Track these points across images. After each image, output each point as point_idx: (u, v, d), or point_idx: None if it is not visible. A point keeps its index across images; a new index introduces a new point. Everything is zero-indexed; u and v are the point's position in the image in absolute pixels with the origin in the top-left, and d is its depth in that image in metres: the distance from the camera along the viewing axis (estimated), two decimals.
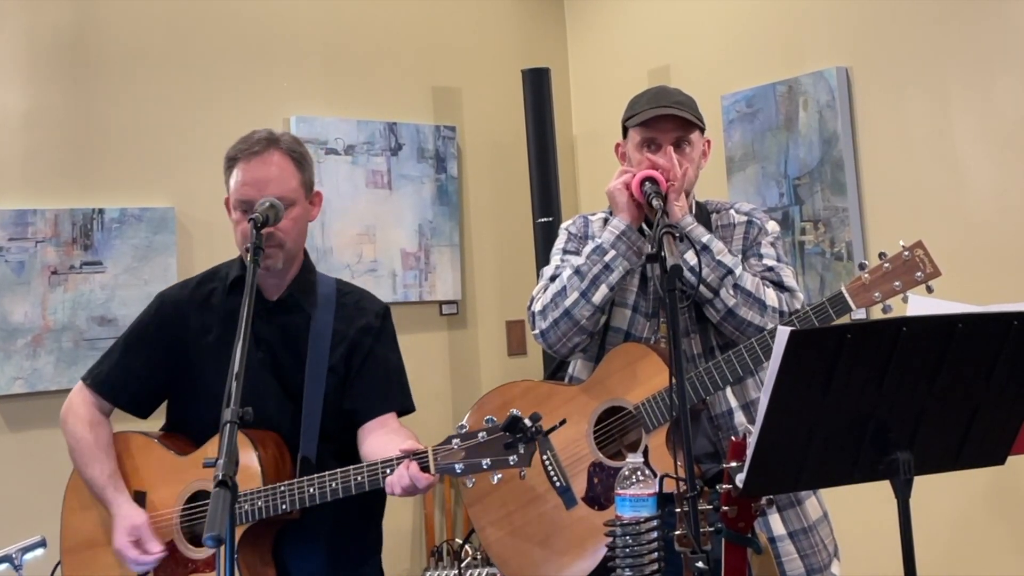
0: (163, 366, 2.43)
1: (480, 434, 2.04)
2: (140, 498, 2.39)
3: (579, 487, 2.40)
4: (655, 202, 2.22)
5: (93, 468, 2.39)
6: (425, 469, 2.08)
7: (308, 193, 2.37)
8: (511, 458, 2.01)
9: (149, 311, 2.49)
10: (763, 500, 1.80)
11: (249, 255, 2.04)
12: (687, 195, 2.47)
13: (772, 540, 2.37)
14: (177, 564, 2.33)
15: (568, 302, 2.41)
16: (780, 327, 1.59)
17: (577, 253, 2.51)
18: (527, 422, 1.99)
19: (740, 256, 2.45)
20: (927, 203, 3.42)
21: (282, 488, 2.18)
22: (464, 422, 2.13)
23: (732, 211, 2.55)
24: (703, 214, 2.54)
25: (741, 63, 4.03)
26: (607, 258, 2.38)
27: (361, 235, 4.21)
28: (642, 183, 2.31)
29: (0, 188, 3.51)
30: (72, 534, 2.44)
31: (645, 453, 2.33)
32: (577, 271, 2.42)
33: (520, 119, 4.38)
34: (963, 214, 3.34)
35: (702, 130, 2.49)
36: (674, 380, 1.80)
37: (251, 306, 1.93)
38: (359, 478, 2.15)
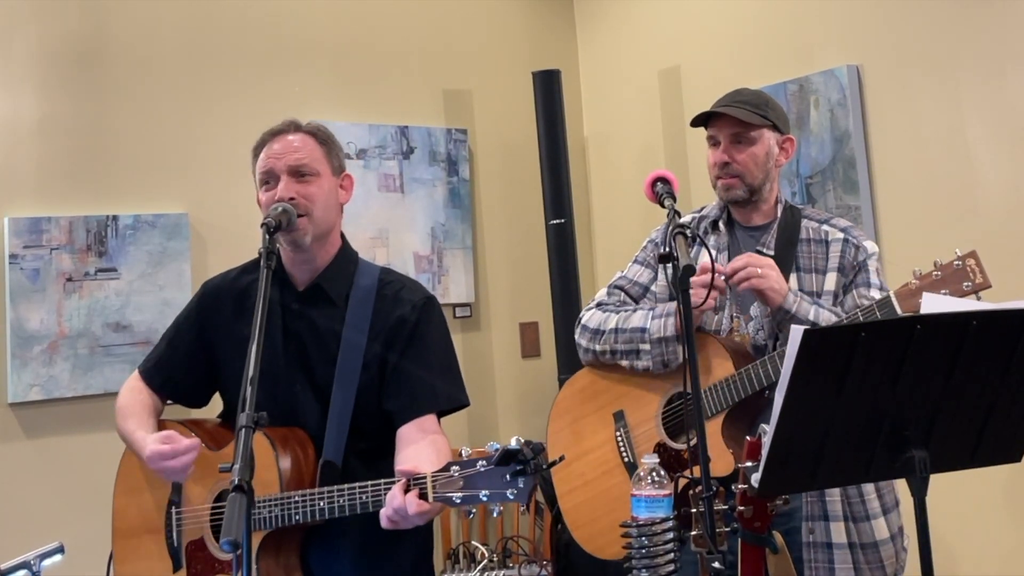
0: (203, 356, 2.41)
1: (480, 463, 1.93)
2: (176, 490, 2.35)
3: None
4: (667, 202, 2.23)
5: (128, 422, 2.36)
6: (424, 496, 1.98)
7: (335, 171, 2.33)
8: (509, 492, 1.90)
9: (192, 300, 2.49)
10: (779, 500, 1.81)
11: (262, 260, 2.01)
12: (758, 191, 2.53)
13: (829, 546, 2.40)
14: (206, 563, 2.29)
15: (597, 348, 2.63)
16: (793, 326, 1.59)
17: (644, 262, 2.71)
18: (526, 453, 1.88)
19: (835, 273, 2.47)
20: (940, 200, 3.40)
21: (296, 498, 2.13)
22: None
23: (827, 227, 2.55)
24: (793, 217, 2.57)
25: (751, 62, 4.02)
26: (642, 347, 2.54)
27: (374, 239, 4.21)
28: (653, 183, 2.32)
29: (14, 196, 3.54)
30: (121, 518, 2.43)
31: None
32: (617, 330, 2.59)
33: (531, 121, 4.38)
34: (976, 211, 3.32)
35: (776, 128, 2.55)
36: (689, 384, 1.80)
37: (265, 309, 1.92)
38: (364, 498, 2.08)
